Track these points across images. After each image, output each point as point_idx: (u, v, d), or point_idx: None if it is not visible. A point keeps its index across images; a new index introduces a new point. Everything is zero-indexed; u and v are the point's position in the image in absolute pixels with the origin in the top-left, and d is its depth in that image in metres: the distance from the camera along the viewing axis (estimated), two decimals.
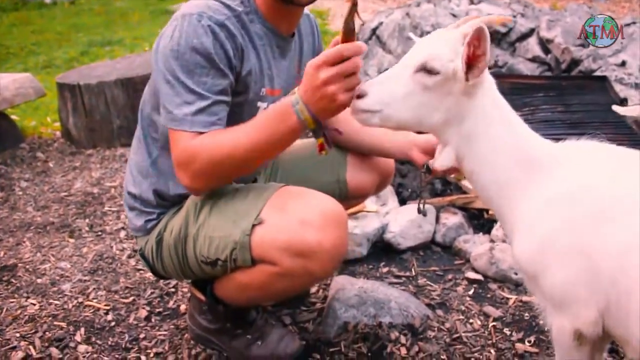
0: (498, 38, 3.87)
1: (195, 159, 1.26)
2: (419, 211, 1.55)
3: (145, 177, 1.51)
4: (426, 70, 1.09)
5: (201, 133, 1.27)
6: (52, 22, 9.32)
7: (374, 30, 4.06)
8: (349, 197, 1.73)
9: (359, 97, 1.13)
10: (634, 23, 3.65)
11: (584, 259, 1.04)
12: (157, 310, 1.91)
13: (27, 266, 2.23)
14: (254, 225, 1.29)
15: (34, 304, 1.97)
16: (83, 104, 3.45)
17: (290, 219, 1.27)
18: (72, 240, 2.44)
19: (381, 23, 4.02)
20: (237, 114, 1.36)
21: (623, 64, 3.27)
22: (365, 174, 1.72)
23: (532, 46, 3.77)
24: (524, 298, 1.83)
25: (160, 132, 1.45)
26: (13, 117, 3.98)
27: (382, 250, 2.13)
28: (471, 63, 1.07)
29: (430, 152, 1.56)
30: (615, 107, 2.49)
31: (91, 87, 3.41)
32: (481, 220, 2.28)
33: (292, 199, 1.32)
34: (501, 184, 1.16)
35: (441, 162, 1.19)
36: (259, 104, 1.44)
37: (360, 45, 1.13)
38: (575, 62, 3.48)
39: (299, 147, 1.78)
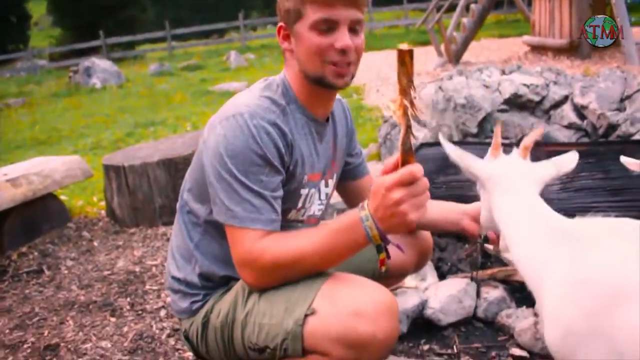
0: (532, 107, 3.89)
1: (261, 259, 1.31)
2: (472, 279, 1.57)
3: (188, 261, 1.54)
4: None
5: (265, 231, 1.32)
6: (101, 106, 9.85)
7: None
8: (389, 276, 1.72)
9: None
10: None
11: (607, 343, 1.02)
12: None
13: (69, 345, 2.26)
14: (306, 315, 1.29)
15: None
16: (127, 184, 3.59)
17: (343, 310, 1.27)
18: (113, 319, 2.47)
19: (415, 97, 4.09)
20: (283, 202, 1.41)
21: None
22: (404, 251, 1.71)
23: (567, 113, 3.76)
24: None
25: (203, 219, 1.49)
26: (62, 197, 4.16)
27: (422, 326, 2.08)
28: None
29: (478, 220, 1.61)
30: None
31: (135, 168, 3.55)
32: (524, 293, 2.20)
33: (344, 288, 1.32)
34: (528, 260, 1.19)
35: (501, 247, 1.32)
36: (302, 191, 1.48)
37: (420, 169, 1.19)
38: (612, 127, 3.45)
39: None
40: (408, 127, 1.15)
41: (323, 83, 1.40)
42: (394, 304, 1.32)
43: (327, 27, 1.34)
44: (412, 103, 1.13)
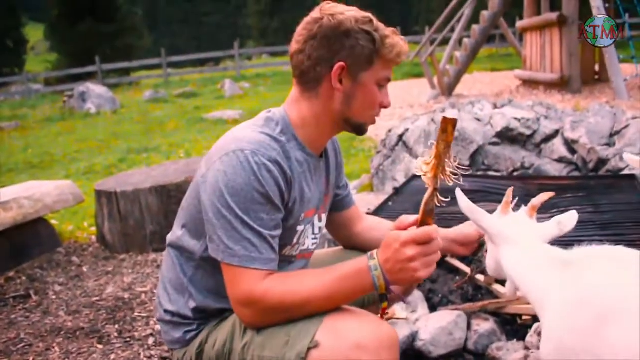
0: (523, 140, 3.94)
1: (264, 302, 1.30)
2: (470, 279, 1.64)
3: (182, 294, 1.51)
4: None
5: (264, 271, 1.31)
6: (95, 131, 9.87)
7: (400, 137, 4.18)
8: (378, 302, 1.71)
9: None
10: None
11: (594, 359, 1.10)
12: None
13: None
14: (309, 349, 1.27)
15: None
16: (119, 210, 3.57)
17: (346, 343, 1.26)
18: (100, 346, 2.43)
19: (407, 129, 4.14)
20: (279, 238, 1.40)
21: None
22: None
23: (557, 147, 3.82)
24: None
25: (198, 256, 1.47)
26: (53, 221, 4.14)
27: (412, 358, 2.06)
28: None
29: (467, 244, 1.68)
30: None
31: (127, 194, 3.54)
32: (515, 326, 2.20)
33: (346, 321, 1.31)
34: (530, 288, 1.30)
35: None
36: (298, 227, 1.47)
37: (436, 230, 1.24)
38: (602, 162, 3.50)
39: (327, 253, 1.80)
40: (435, 190, 1.21)
41: (361, 130, 1.48)
42: (395, 337, 1.32)
43: (385, 84, 1.44)
44: (444, 169, 1.19)
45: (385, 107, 1.46)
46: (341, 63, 1.37)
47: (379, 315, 1.32)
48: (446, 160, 1.18)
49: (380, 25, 1.39)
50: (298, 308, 1.30)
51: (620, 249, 1.21)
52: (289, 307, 1.30)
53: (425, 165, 1.20)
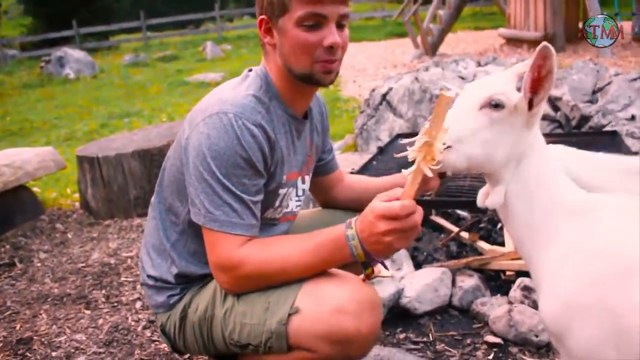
0: None
1: (242, 268, 1.29)
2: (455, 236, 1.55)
3: (164, 259, 1.51)
4: (491, 105, 1.13)
5: (244, 237, 1.30)
6: (75, 97, 9.69)
7: (384, 96, 4.15)
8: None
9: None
10: None
11: (611, 318, 1.01)
12: None
13: (43, 339, 2.23)
14: (290, 314, 1.28)
15: None
16: (101, 175, 3.54)
17: (326, 307, 1.26)
18: (88, 312, 2.44)
19: (391, 88, 4.11)
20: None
21: (633, 118, 3.29)
22: None
23: None
24: None
25: (182, 219, 1.45)
26: (35, 189, 4.09)
27: (398, 315, 2.09)
28: (535, 88, 1.10)
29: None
30: None
31: (109, 159, 3.50)
32: (498, 282, 2.24)
33: (326, 285, 1.30)
34: (535, 227, 1.15)
35: (493, 200, 1.19)
36: (280, 190, 1.45)
37: (415, 207, 1.17)
38: (585, 119, 3.51)
39: (312, 214, 1.80)
40: (420, 167, 1.13)
41: (311, 81, 1.35)
42: (376, 298, 1.32)
43: (314, 22, 1.29)
44: (432, 150, 1.10)
45: (333, 46, 1.30)
46: (262, 17, 1.36)
47: (362, 278, 1.30)
48: (439, 137, 1.10)
49: None
50: (276, 275, 1.30)
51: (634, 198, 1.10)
52: (267, 275, 1.30)
53: (420, 138, 1.12)
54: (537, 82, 1.09)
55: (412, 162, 1.14)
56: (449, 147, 1.13)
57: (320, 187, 1.76)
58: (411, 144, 1.14)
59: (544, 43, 1.07)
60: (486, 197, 1.22)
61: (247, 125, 1.29)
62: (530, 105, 1.12)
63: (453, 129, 1.13)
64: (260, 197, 1.35)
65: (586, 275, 1.06)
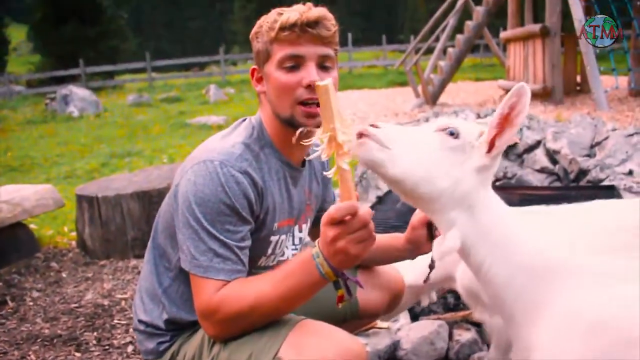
0: (506, 150, 3.97)
1: (220, 311, 1.27)
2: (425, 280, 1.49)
3: (156, 304, 1.50)
4: (447, 132, 1.11)
5: (226, 282, 1.29)
6: (77, 134, 9.75)
7: None
8: (360, 316, 1.71)
9: (374, 126, 1.13)
10: (637, 133, 3.73)
11: None
12: None
13: None
14: None
15: None
16: (100, 215, 3.53)
17: None
18: (78, 354, 2.39)
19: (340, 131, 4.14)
20: (251, 249, 1.38)
21: (630, 172, 3.32)
22: (375, 292, 1.71)
23: (539, 157, 3.85)
24: None
25: (174, 265, 1.45)
26: (32, 225, 4.07)
27: None
28: (502, 127, 1.08)
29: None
30: None
31: (108, 199, 3.50)
32: None
33: (311, 337, 1.28)
34: (517, 289, 1.10)
35: (448, 244, 1.12)
36: (272, 238, 1.45)
37: (353, 206, 1.13)
38: (583, 172, 3.54)
39: None
40: (338, 164, 1.11)
41: (293, 124, 1.37)
42: (362, 353, 1.29)
43: (294, 64, 1.34)
44: (336, 141, 1.10)
45: (310, 85, 1.32)
46: (253, 67, 1.44)
47: (336, 302, 1.24)
48: (337, 128, 1.09)
49: (275, 16, 1.35)
50: (253, 311, 1.26)
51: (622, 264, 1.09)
52: (244, 312, 1.26)
53: (322, 141, 1.13)
54: (506, 121, 1.07)
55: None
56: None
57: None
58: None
59: (521, 83, 1.07)
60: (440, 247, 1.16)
61: (231, 173, 1.31)
62: (491, 149, 1.10)
63: (402, 133, 1.11)
64: (247, 244, 1.35)
65: (588, 351, 1.02)
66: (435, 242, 1.20)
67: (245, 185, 1.32)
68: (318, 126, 1.40)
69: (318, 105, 1.32)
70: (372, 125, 1.14)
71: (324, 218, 1.16)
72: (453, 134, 1.11)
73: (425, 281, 1.51)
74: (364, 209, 1.14)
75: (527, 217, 1.43)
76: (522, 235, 1.13)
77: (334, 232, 1.14)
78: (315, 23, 1.33)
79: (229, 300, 1.27)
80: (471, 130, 1.12)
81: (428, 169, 1.10)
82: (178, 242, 1.36)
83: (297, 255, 1.30)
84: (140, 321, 1.52)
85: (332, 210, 1.14)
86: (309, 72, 1.33)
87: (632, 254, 1.51)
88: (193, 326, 1.47)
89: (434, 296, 2.15)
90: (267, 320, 1.30)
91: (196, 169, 1.33)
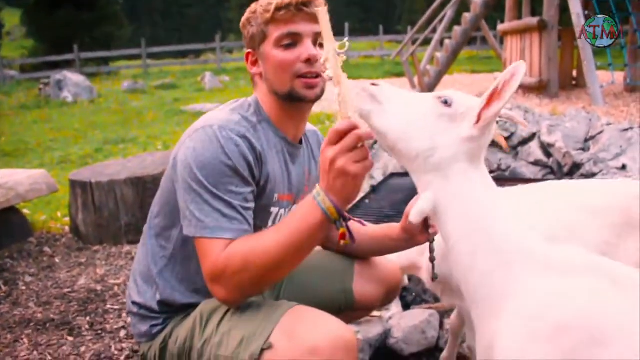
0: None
1: (228, 268, 1.26)
2: (433, 278, 1.51)
3: (150, 286, 1.51)
4: (443, 100, 1.14)
5: (232, 241, 1.29)
6: (71, 120, 9.70)
7: None
8: (355, 308, 1.72)
9: (374, 85, 1.19)
10: (631, 128, 3.75)
11: None
12: None
13: None
14: (262, 350, 1.26)
15: None
16: (93, 201, 3.52)
17: (300, 346, 1.24)
18: (70, 339, 2.40)
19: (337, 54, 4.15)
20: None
21: (624, 167, 3.34)
22: (372, 284, 1.72)
23: (534, 150, 3.87)
24: None
25: (173, 242, 1.46)
26: (25, 210, 4.06)
27: (385, 356, 2.07)
28: (491, 100, 1.08)
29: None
30: None
31: (102, 185, 3.49)
32: None
33: (303, 323, 1.29)
34: (486, 271, 1.08)
35: (419, 206, 1.13)
36: (272, 209, 1.48)
37: (352, 123, 1.16)
38: (576, 166, 3.55)
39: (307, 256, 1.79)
40: (339, 83, 1.19)
41: (293, 97, 1.42)
42: (352, 341, 1.29)
43: (291, 41, 1.40)
44: (337, 55, 1.21)
45: (309, 60, 1.39)
46: (247, 51, 1.48)
47: (338, 238, 1.25)
48: (335, 51, 1.20)
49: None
50: (262, 261, 1.25)
51: (618, 266, 1.06)
52: (252, 266, 1.25)
53: (327, 62, 1.21)
54: (497, 94, 1.08)
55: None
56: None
57: None
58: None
59: (520, 61, 1.08)
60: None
61: (230, 136, 1.34)
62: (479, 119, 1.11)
63: (398, 92, 1.17)
64: (250, 205, 1.36)
65: (557, 346, 0.99)
66: (412, 200, 1.27)
67: (243, 147, 1.35)
68: (317, 98, 1.45)
69: (316, 77, 1.41)
70: (372, 84, 1.19)
71: (324, 142, 1.19)
72: (447, 103, 1.14)
73: (433, 279, 1.53)
74: (358, 126, 1.17)
75: (510, 196, 1.44)
76: (495, 214, 1.11)
77: (332, 152, 1.16)
78: (309, 2, 1.39)
79: (236, 255, 1.26)
80: (466, 103, 1.14)
81: (409, 128, 1.13)
82: (180, 211, 1.37)
83: (299, 203, 1.30)
84: (133, 303, 1.53)
85: (328, 133, 1.18)
86: (307, 48, 1.40)
87: (617, 234, 1.53)
88: (186, 309, 1.48)
89: (405, 280, 2.17)
90: (278, 273, 1.30)
91: (194, 136, 1.36)
